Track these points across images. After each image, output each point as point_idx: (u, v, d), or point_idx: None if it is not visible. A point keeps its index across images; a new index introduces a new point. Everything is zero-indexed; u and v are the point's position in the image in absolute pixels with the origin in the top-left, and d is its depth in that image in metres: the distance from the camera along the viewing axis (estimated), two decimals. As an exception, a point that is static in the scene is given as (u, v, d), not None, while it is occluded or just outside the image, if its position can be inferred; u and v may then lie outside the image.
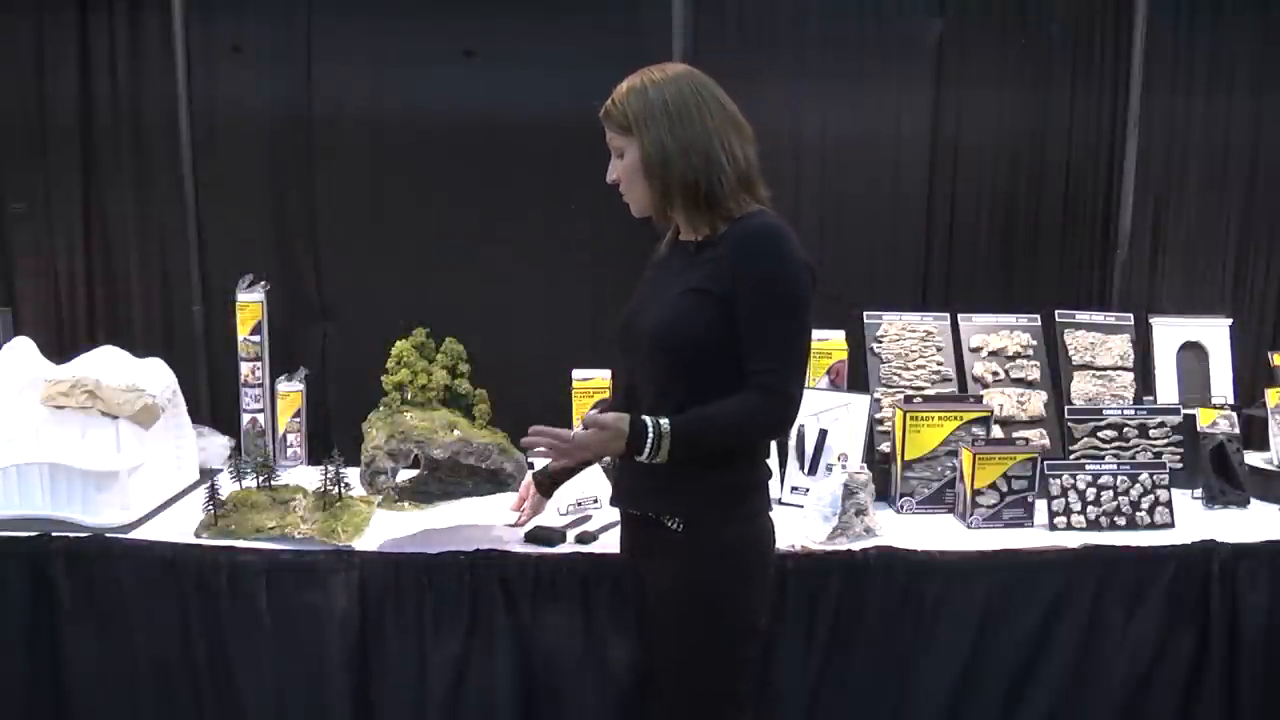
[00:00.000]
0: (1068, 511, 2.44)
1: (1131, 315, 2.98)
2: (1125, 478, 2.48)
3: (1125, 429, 2.75)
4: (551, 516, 2.45)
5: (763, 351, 1.75)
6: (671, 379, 1.81)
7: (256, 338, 2.85)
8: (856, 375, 2.78)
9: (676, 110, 1.76)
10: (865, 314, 2.83)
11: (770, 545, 1.91)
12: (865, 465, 2.49)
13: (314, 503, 2.32)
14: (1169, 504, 2.48)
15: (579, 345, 2.91)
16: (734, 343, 1.76)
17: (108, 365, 2.42)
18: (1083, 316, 2.96)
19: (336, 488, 2.33)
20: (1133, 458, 2.70)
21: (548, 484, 2.25)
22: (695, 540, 1.83)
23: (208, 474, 2.61)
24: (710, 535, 1.83)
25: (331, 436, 2.91)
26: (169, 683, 2.24)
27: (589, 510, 2.48)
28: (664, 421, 1.75)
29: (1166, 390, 2.96)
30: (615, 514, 2.41)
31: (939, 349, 2.84)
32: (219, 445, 2.84)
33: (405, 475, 2.63)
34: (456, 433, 2.54)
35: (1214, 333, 3.02)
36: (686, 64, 1.89)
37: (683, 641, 1.85)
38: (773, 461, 2.16)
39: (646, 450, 1.75)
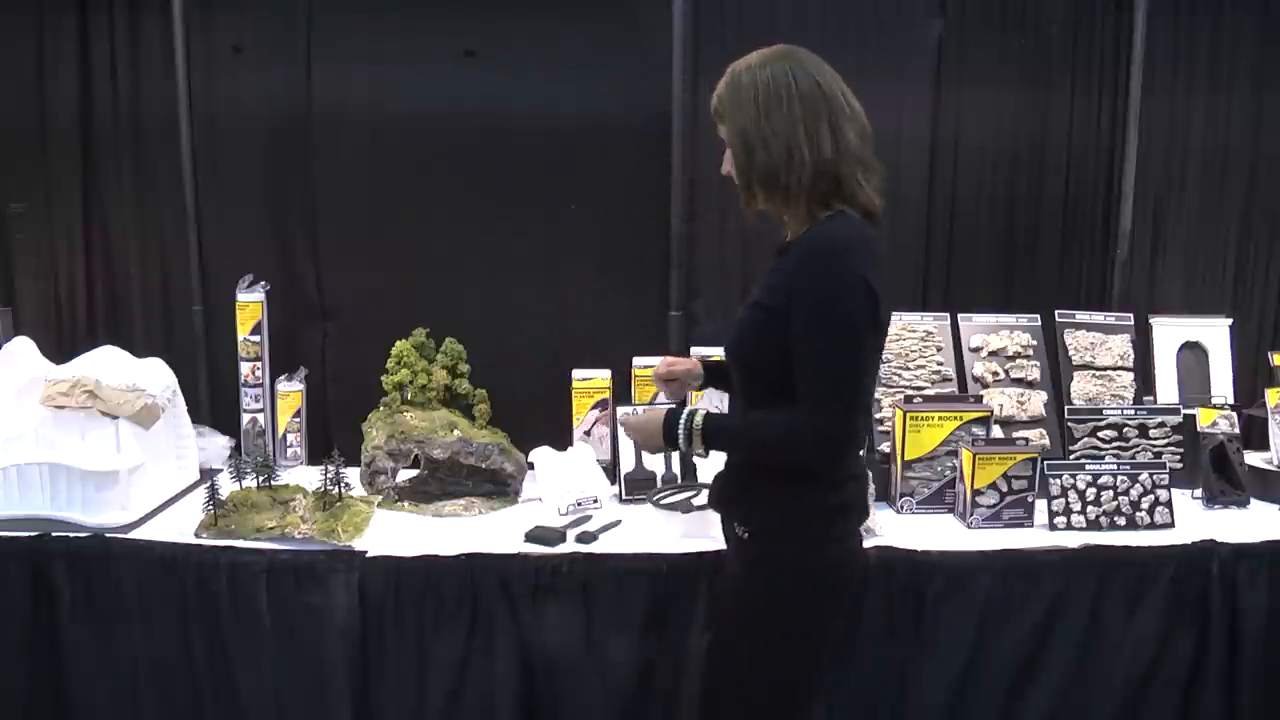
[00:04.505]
0: (1068, 511, 2.44)
1: (1131, 315, 2.98)
2: (1125, 478, 2.48)
3: (1125, 429, 2.75)
4: (551, 516, 2.45)
5: (807, 376, 1.67)
6: (743, 385, 1.85)
7: (256, 338, 2.85)
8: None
9: (764, 97, 1.71)
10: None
11: (845, 574, 1.81)
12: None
13: (314, 503, 2.32)
14: (1169, 504, 2.48)
15: (579, 345, 2.91)
16: (792, 360, 1.69)
17: (108, 365, 2.42)
18: (1083, 316, 2.96)
19: (336, 488, 2.33)
20: (1133, 458, 2.70)
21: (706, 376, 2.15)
22: (759, 553, 1.80)
23: (208, 474, 2.61)
24: (773, 551, 1.78)
25: (331, 436, 2.91)
26: (169, 683, 2.24)
27: (589, 510, 2.48)
28: (699, 417, 1.79)
29: (1166, 390, 2.96)
30: (615, 514, 2.43)
31: (939, 349, 2.84)
32: (219, 445, 2.84)
33: (405, 475, 2.64)
34: (456, 433, 2.54)
35: (1214, 333, 3.02)
36: (788, 45, 1.79)
37: (733, 651, 1.82)
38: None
39: (680, 440, 1.81)
